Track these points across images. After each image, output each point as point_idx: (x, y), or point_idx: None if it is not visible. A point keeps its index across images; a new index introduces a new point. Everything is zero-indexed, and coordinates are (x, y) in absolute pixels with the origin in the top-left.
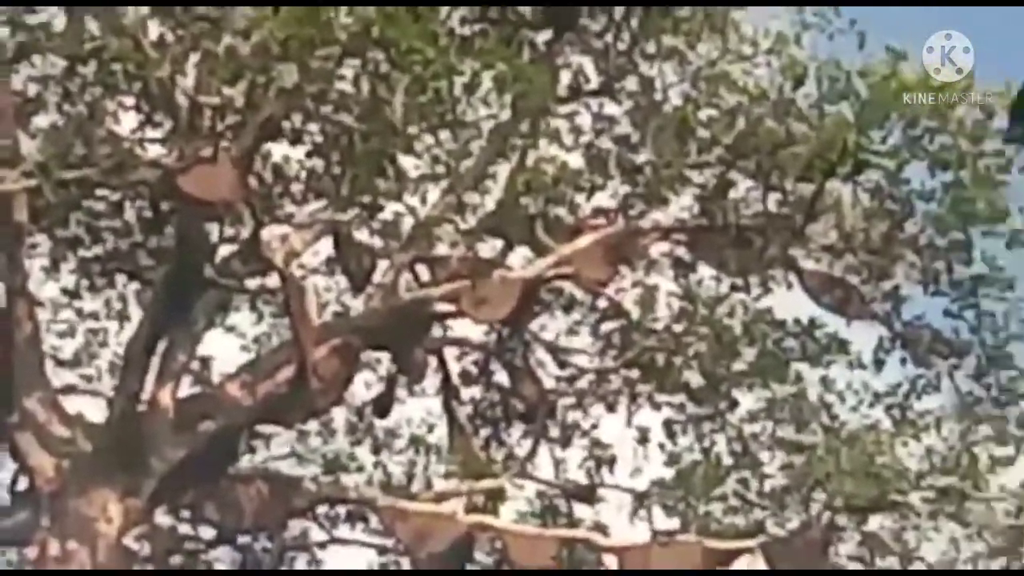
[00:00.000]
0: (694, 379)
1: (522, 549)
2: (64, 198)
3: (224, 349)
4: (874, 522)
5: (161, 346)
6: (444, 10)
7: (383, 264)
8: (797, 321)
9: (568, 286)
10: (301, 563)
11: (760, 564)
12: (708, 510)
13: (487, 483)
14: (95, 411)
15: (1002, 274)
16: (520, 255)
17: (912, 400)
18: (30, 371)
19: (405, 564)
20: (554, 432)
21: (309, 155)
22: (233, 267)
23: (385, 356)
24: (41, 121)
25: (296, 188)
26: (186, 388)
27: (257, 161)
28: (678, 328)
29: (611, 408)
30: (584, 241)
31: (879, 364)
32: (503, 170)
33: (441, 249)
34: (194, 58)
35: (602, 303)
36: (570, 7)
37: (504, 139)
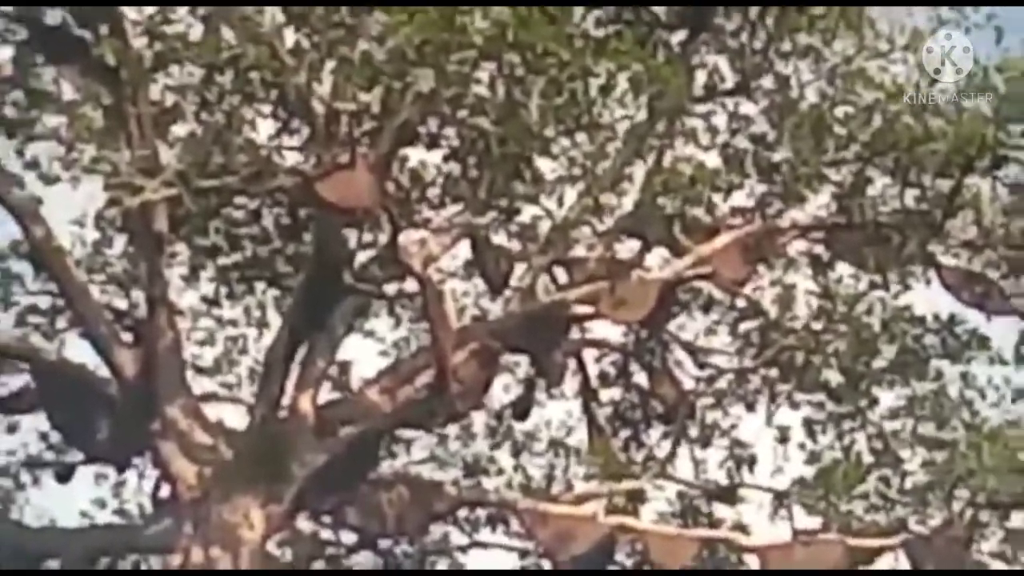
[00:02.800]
0: (833, 377)
1: (663, 550)
2: (203, 207)
3: (363, 354)
4: (1017, 518)
5: (301, 352)
6: (578, 12)
7: (521, 267)
8: (937, 317)
9: (706, 286)
10: (442, 567)
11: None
12: (849, 508)
13: (627, 484)
14: (236, 418)
15: None
16: (658, 256)
17: None
18: (171, 379)
19: (546, 566)
20: (694, 432)
21: (446, 159)
22: (371, 272)
23: (524, 359)
24: (179, 130)
25: (433, 193)
26: (326, 394)
27: (394, 166)
28: (817, 326)
29: (750, 407)
30: (722, 241)
31: (1020, 360)
32: (639, 171)
33: (579, 251)
34: (330, 65)
35: (740, 303)
36: (704, 7)
37: (640, 140)
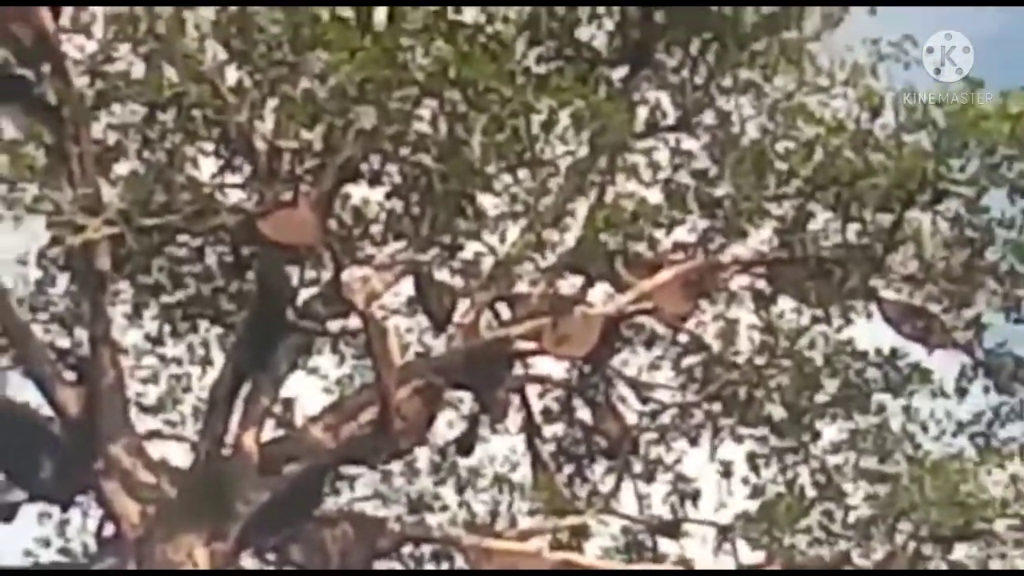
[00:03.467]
0: (776, 412)
1: None
2: (146, 245)
3: (307, 391)
4: (959, 551)
5: (244, 390)
6: (520, 48)
7: (464, 303)
8: (879, 351)
9: (649, 321)
10: None
11: None
12: (793, 542)
13: (571, 520)
14: (180, 456)
15: None
16: (600, 291)
17: (996, 428)
18: (114, 417)
19: None
20: (637, 467)
21: (388, 196)
22: (315, 310)
23: (467, 395)
24: (122, 169)
25: (376, 229)
26: (270, 431)
27: (337, 204)
28: (760, 361)
29: (694, 442)
30: (664, 276)
31: (962, 393)
32: (582, 207)
33: (521, 287)
34: (272, 103)
35: (683, 337)
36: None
37: (582, 176)
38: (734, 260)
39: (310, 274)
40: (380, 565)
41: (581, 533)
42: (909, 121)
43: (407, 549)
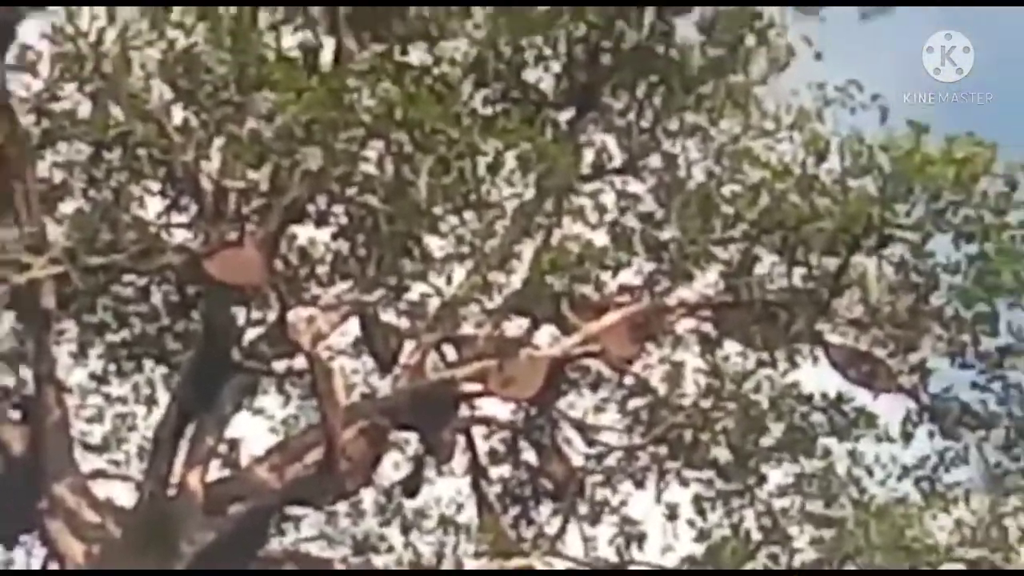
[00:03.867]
0: (722, 455)
1: None
2: (91, 284)
3: (252, 431)
4: None
5: (189, 430)
6: (467, 90)
7: (410, 345)
8: (824, 395)
9: (595, 364)
10: None
11: None
12: None
13: (517, 562)
14: (124, 496)
15: None
16: (546, 333)
17: (941, 473)
18: (59, 456)
19: None
20: (583, 510)
21: (335, 237)
22: (260, 350)
23: (413, 436)
24: (67, 207)
25: (322, 270)
26: (215, 471)
27: (283, 244)
28: (705, 404)
29: (640, 485)
30: (610, 319)
31: (907, 437)
32: (528, 249)
33: (467, 329)
34: (218, 142)
35: (629, 380)
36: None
37: (529, 218)
38: (680, 303)
39: (256, 314)
40: None
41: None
42: (855, 166)
43: None
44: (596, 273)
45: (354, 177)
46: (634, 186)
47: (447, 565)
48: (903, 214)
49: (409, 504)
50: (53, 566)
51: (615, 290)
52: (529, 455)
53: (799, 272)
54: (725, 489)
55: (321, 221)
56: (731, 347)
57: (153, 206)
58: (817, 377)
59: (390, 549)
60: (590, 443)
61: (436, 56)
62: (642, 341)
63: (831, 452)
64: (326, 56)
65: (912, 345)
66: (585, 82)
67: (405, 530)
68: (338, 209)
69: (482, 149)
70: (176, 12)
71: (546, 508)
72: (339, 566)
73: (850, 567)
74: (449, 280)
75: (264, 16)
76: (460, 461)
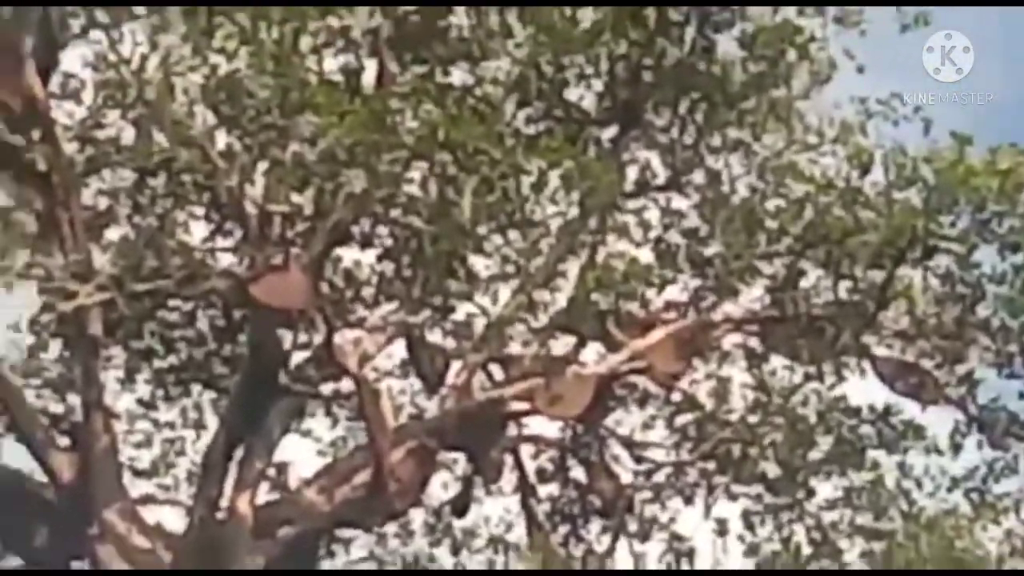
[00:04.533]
0: (771, 469)
1: None
2: (137, 310)
3: (301, 454)
4: None
5: (238, 453)
6: (509, 110)
7: (456, 365)
8: (872, 408)
9: (642, 380)
10: None
11: None
12: None
13: None
14: (174, 520)
15: None
16: (593, 351)
17: (990, 483)
18: (108, 483)
19: None
20: (632, 527)
21: (379, 259)
22: (307, 373)
23: (461, 456)
24: (112, 234)
25: (367, 292)
26: (264, 494)
27: (328, 267)
28: (753, 419)
29: (688, 501)
30: (656, 335)
31: (956, 448)
32: (573, 267)
33: (514, 348)
34: (262, 167)
35: (676, 396)
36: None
37: (573, 236)
38: (726, 318)
39: (302, 337)
40: None
41: None
42: (899, 178)
43: None
44: (641, 290)
45: (398, 198)
46: (678, 202)
47: None
48: (948, 225)
49: (458, 524)
50: None
51: (661, 307)
52: (578, 473)
53: (844, 285)
54: (774, 503)
55: (366, 243)
56: (777, 361)
57: (198, 231)
58: (864, 390)
59: (441, 569)
60: (638, 460)
61: (478, 76)
62: (688, 357)
63: (880, 465)
64: (368, 78)
65: (959, 356)
66: (627, 100)
67: (455, 550)
68: (383, 231)
69: (525, 168)
70: (218, 38)
71: (595, 526)
72: None
73: None
74: (495, 299)
75: (306, 40)
76: (509, 480)
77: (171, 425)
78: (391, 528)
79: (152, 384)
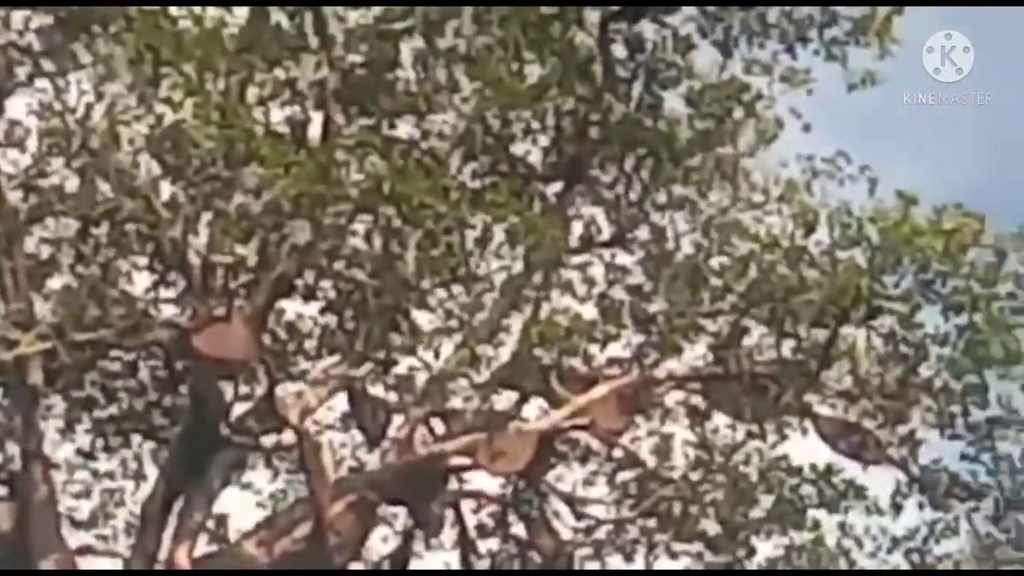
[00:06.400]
0: (711, 527)
1: None
2: (79, 359)
3: (240, 506)
4: None
5: (177, 505)
6: (455, 164)
7: (398, 419)
8: (813, 467)
9: (584, 436)
10: None
11: None
12: None
13: None
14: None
15: (1018, 416)
16: (535, 407)
17: (931, 544)
18: (46, 533)
19: None
20: None
21: (322, 311)
22: (248, 425)
23: (402, 510)
24: (55, 283)
25: (310, 345)
26: (203, 547)
27: (271, 318)
28: (694, 476)
29: (629, 558)
30: (599, 391)
31: (897, 509)
32: (517, 322)
33: (456, 403)
34: (206, 217)
35: (618, 453)
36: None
37: (517, 291)
38: (669, 376)
39: (244, 389)
40: None
41: None
42: (843, 237)
43: None
44: (585, 346)
45: (342, 251)
46: (622, 259)
47: None
48: (892, 285)
49: None
50: None
51: (604, 363)
52: (518, 528)
53: (788, 344)
54: (715, 562)
55: (309, 296)
56: (720, 419)
57: (141, 281)
58: (806, 449)
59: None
60: (579, 516)
61: (424, 130)
62: (631, 414)
63: (820, 524)
64: (314, 131)
65: (901, 416)
66: (573, 155)
67: None
68: (326, 283)
69: (470, 223)
70: (164, 87)
71: None
72: None
73: None
74: (437, 354)
75: (252, 91)
76: (449, 535)
77: (111, 476)
78: None
79: (92, 434)
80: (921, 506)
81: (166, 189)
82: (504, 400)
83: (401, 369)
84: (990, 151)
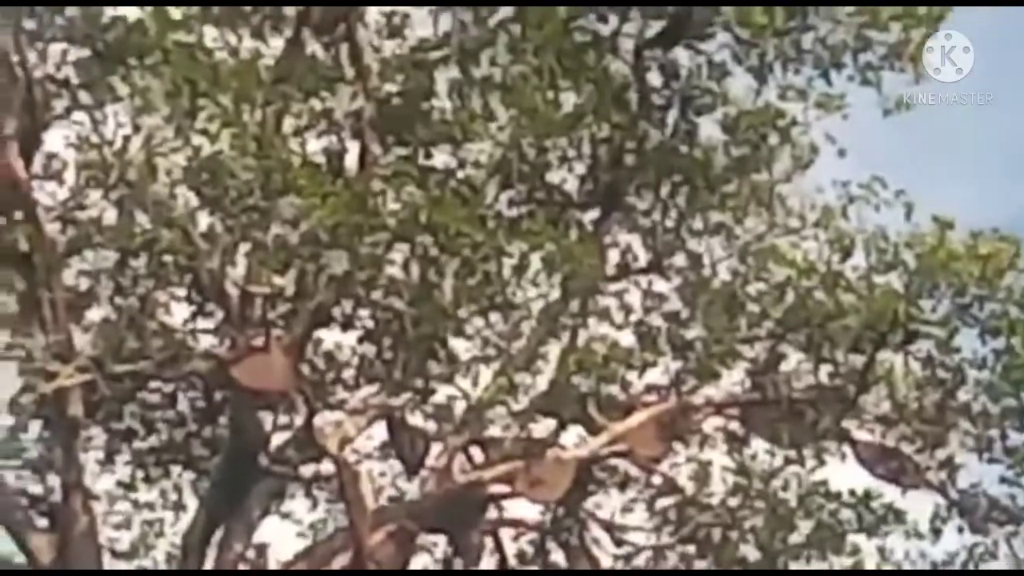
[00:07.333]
0: (751, 554)
1: None
2: (118, 391)
3: (280, 537)
4: None
5: (217, 535)
6: (491, 192)
7: (437, 447)
8: (852, 492)
9: (622, 464)
10: None
11: None
12: None
13: None
14: None
15: None
16: (573, 434)
17: (970, 568)
18: (87, 564)
19: None
20: None
21: (360, 341)
22: (287, 454)
23: (441, 539)
24: (93, 315)
25: (348, 374)
26: None
27: (309, 348)
28: (733, 503)
29: None
30: (637, 419)
31: (936, 533)
32: (554, 350)
33: (494, 431)
34: (244, 248)
35: (657, 480)
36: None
37: (554, 319)
38: (707, 402)
39: (283, 419)
40: None
41: None
42: (880, 262)
43: None
44: (622, 373)
45: (379, 281)
46: (659, 285)
47: None
48: (929, 310)
49: None
50: None
51: (641, 390)
52: (558, 556)
53: (825, 369)
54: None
55: (347, 325)
56: (758, 445)
57: (179, 312)
58: (845, 474)
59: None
60: (618, 543)
61: (460, 159)
62: (669, 440)
63: (860, 549)
64: (350, 160)
65: (940, 441)
66: (609, 182)
67: None
68: (364, 313)
69: (507, 251)
70: (201, 119)
71: None
72: None
73: None
74: (475, 382)
75: (289, 121)
76: (488, 563)
77: (151, 506)
78: None
79: (132, 465)
80: (960, 530)
81: (204, 220)
82: (542, 428)
83: (439, 398)
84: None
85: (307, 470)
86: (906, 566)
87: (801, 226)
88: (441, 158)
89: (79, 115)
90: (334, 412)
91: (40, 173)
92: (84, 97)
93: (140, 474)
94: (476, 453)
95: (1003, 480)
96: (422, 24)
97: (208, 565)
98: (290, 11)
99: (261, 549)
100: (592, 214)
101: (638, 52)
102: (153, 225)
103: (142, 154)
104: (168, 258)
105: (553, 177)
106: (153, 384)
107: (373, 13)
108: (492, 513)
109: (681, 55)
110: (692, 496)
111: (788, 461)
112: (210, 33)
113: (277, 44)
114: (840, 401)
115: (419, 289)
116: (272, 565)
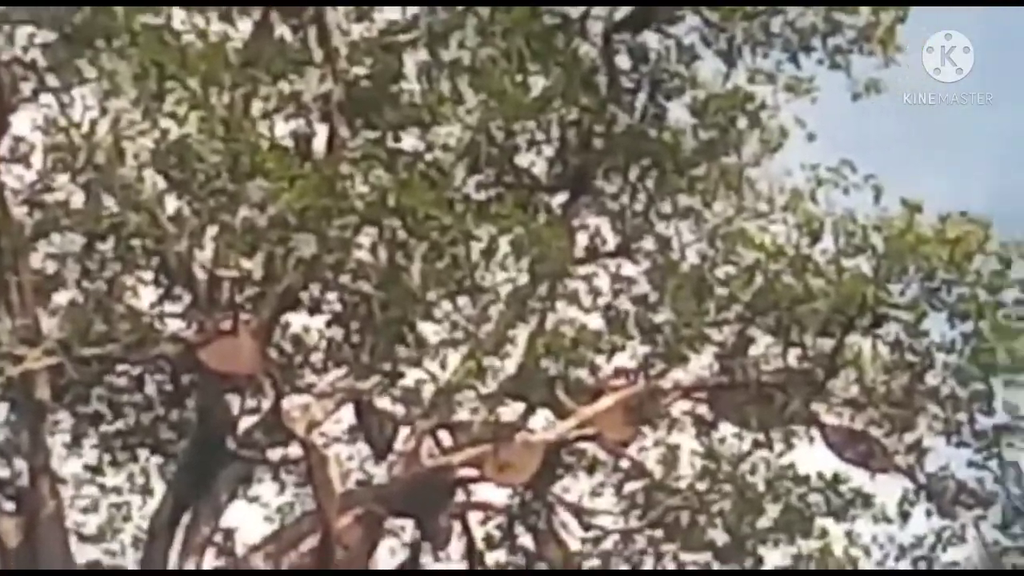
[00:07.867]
0: (719, 537)
1: None
2: (85, 374)
3: (248, 520)
4: None
5: (185, 519)
6: (459, 176)
7: (405, 431)
8: (820, 476)
9: (590, 447)
10: None
11: None
12: None
13: None
14: None
15: None
16: (542, 418)
17: (938, 552)
18: (54, 548)
19: None
20: None
21: (328, 324)
22: (255, 438)
23: (409, 523)
24: (60, 298)
25: (316, 358)
26: (210, 560)
27: (277, 332)
28: (701, 486)
29: (636, 568)
30: (605, 402)
31: (904, 517)
32: (523, 334)
33: (462, 414)
34: (211, 231)
35: (625, 463)
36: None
37: (523, 303)
38: (675, 386)
39: (250, 403)
40: None
41: None
42: (848, 246)
43: None
44: (591, 357)
45: (347, 264)
46: (628, 269)
47: None
48: (897, 293)
49: None
50: None
51: (610, 373)
52: (525, 540)
53: (794, 353)
54: (722, 571)
55: (315, 308)
56: (727, 429)
57: (147, 296)
58: (813, 458)
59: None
60: (586, 527)
61: (428, 142)
62: (637, 424)
63: (828, 533)
64: (319, 143)
65: (908, 424)
66: (578, 166)
67: None
68: (332, 296)
69: (475, 234)
70: (169, 102)
71: None
72: None
73: None
74: (444, 366)
75: (257, 104)
76: (456, 547)
77: (118, 490)
78: None
79: (99, 449)
80: (928, 514)
81: (171, 203)
82: (511, 411)
83: (407, 381)
84: (1003, 157)
85: (275, 454)
86: (874, 550)
87: (770, 209)
88: (409, 141)
89: (46, 98)
90: (302, 395)
91: (7, 156)
92: (51, 80)
93: (107, 458)
94: (444, 437)
95: (971, 464)
96: (390, 7)
97: (175, 549)
98: None
99: (228, 533)
100: (561, 197)
101: (607, 35)
102: (121, 208)
103: (110, 137)
104: (136, 241)
105: (522, 160)
106: (120, 368)
107: None
108: (460, 497)
109: (650, 38)
110: (660, 480)
111: (756, 445)
112: (178, 15)
113: (245, 27)
114: (809, 385)
115: (387, 273)
116: (239, 549)
